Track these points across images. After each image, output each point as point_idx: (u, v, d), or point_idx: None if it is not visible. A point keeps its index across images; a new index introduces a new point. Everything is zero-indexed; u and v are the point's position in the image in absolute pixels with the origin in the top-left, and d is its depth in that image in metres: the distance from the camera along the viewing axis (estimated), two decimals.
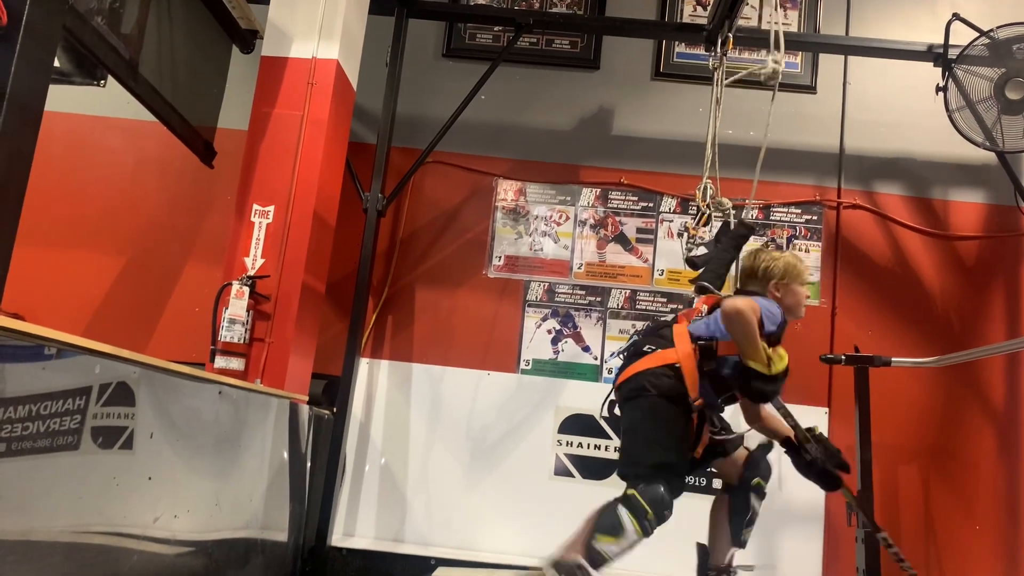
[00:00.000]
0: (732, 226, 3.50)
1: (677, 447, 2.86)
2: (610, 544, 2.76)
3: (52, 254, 4.54)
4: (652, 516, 2.76)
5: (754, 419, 3.05)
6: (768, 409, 3.02)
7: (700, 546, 3.23)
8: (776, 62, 3.38)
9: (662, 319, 3.18)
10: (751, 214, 4.56)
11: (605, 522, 2.78)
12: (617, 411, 3.10)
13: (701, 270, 3.38)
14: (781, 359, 2.80)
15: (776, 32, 3.43)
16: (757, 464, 3.07)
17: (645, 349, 2.97)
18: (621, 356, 3.17)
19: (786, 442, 2.99)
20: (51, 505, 1.87)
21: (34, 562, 1.81)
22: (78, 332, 1.90)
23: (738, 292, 3.16)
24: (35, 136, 1.50)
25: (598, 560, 2.76)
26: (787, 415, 3.02)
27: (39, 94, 1.51)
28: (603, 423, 4.34)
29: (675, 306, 4.49)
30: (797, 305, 3.07)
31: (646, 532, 2.77)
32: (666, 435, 2.84)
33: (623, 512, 2.77)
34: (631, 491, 2.80)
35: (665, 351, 2.92)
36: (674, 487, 2.82)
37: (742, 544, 3.08)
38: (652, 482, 2.78)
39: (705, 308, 3.10)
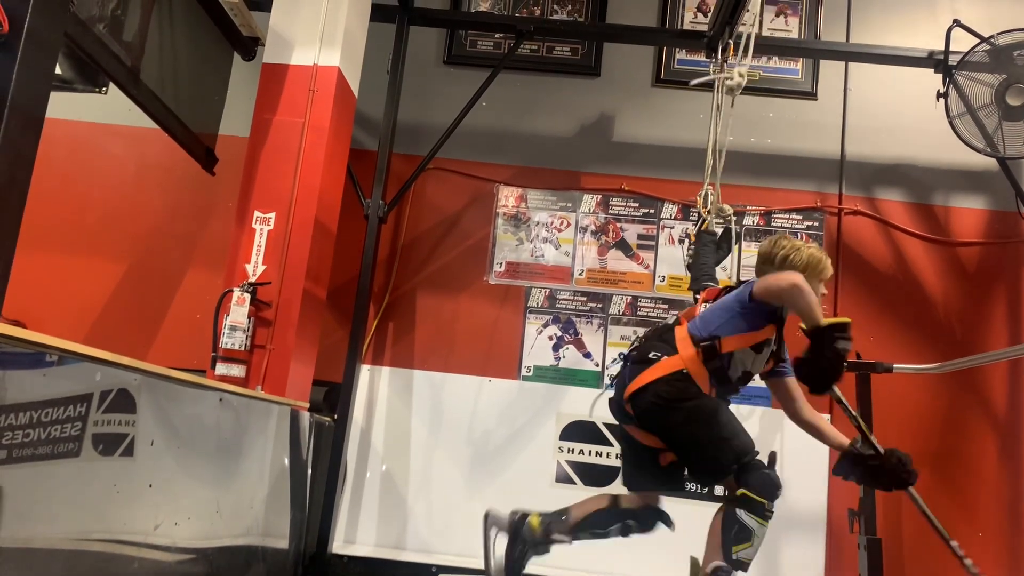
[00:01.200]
0: (722, 233, 3.50)
1: (737, 431, 2.83)
2: (748, 549, 2.75)
3: (53, 260, 4.54)
4: (769, 505, 2.75)
5: (798, 412, 2.98)
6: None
7: (693, 560, 3.21)
8: (741, 75, 3.37)
9: (663, 323, 3.15)
10: (752, 220, 4.57)
11: (733, 533, 2.75)
12: (616, 409, 3.06)
13: (699, 275, 3.37)
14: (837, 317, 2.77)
15: (747, 37, 3.42)
16: (748, 476, 3.02)
17: (651, 356, 2.92)
18: (623, 360, 3.15)
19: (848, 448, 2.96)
20: (52, 512, 1.87)
21: (35, 569, 1.80)
22: (79, 339, 1.90)
23: (742, 281, 3.11)
24: (36, 143, 1.50)
25: (744, 566, 2.76)
26: (846, 409, 2.99)
27: (41, 101, 1.51)
28: (604, 429, 4.33)
29: (676, 312, 4.48)
30: None
31: (767, 519, 2.75)
32: (722, 427, 2.81)
33: (744, 515, 2.74)
34: (742, 489, 2.76)
35: (671, 359, 2.88)
36: (763, 464, 2.80)
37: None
38: (750, 473, 2.76)
39: (704, 306, 3.08)
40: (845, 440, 2.99)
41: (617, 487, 4.26)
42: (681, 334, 2.94)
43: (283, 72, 3.81)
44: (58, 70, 3.85)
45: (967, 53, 4.00)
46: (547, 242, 4.64)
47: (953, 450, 4.29)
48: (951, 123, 3.99)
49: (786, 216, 4.57)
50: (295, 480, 3.61)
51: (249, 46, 4.46)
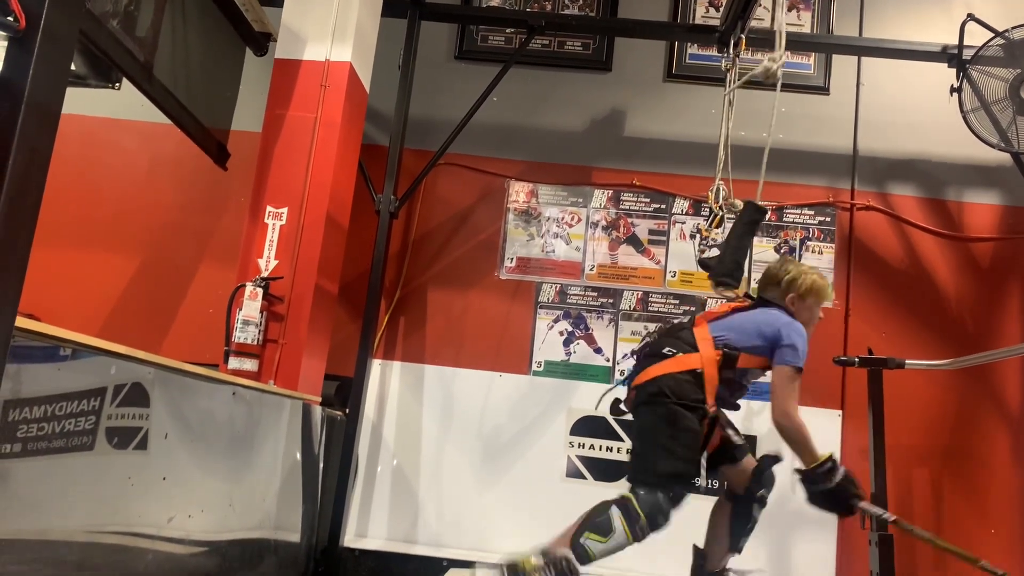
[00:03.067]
0: (743, 209, 3.43)
1: (689, 457, 2.84)
2: (597, 542, 2.75)
3: (67, 255, 4.57)
4: (645, 523, 2.74)
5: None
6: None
7: (696, 549, 3.22)
8: (772, 60, 3.35)
9: (676, 320, 3.15)
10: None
11: (596, 520, 2.78)
12: (623, 407, 3.09)
13: (717, 259, 3.32)
14: (823, 457, 2.84)
15: (780, 32, 3.40)
16: (763, 475, 3.05)
17: (665, 351, 2.94)
18: (635, 355, 3.16)
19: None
20: (67, 505, 1.89)
21: (50, 561, 1.82)
22: (93, 333, 1.91)
23: (757, 298, 3.12)
24: (53, 139, 1.51)
25: (583, 556, 2.76)
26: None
27: (57, 97, 1.52)
28: (615, 424, 4.33)
29: (688, 308, 4.48)
30: (809, 323, 3.04)
31: (636, 537, 2.75)
32: (680, 444, 2.82)
33: (615, 513, 2.76)
34: (629, 494, 2.78)
35: (687, 356, 2.90)
36: (676, 497, 2.80)
37: (739, 550, 3.06)
38: (655, 490, 2.77)
39: (726, 309, 3.09)
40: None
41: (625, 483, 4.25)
42: (702, 334, 2.95)
43: (295, 67, 3.82)
44: (72, 66, 3.87)
45: (981, 47, 3.97)
46: (558, 237, 4.64)
47: (965, 446, 4.27)
48: (965, 118, 3.96)
49: (798, 211, 4.55)
50: (307, 474, 3.63)
51: (261, 42, 4.48)
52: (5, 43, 1.46)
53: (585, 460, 4.33)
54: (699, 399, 2.84)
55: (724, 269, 3.26)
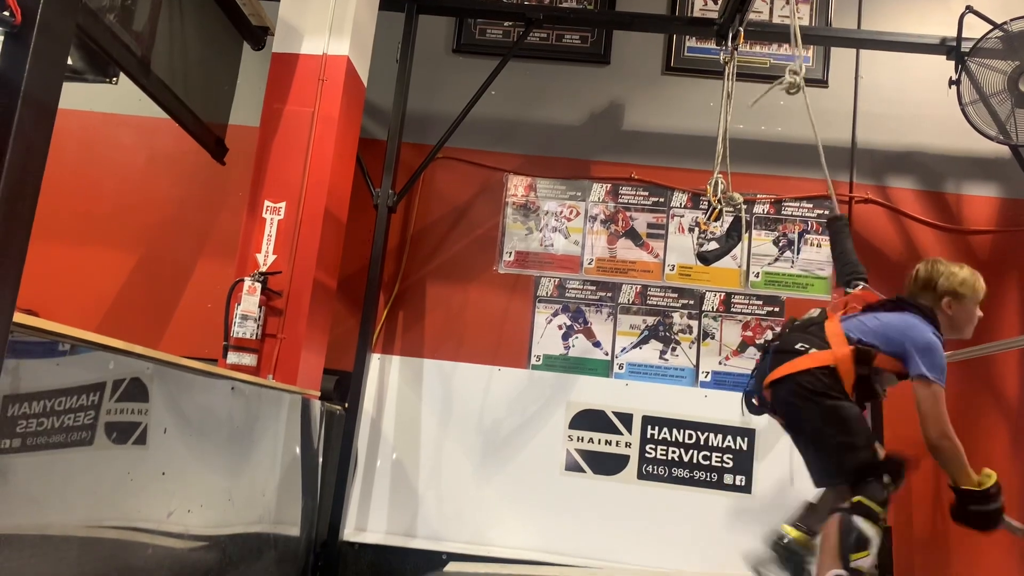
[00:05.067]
0: (831, 221, 3.50)
1: (869, 442, 2.84)
2: (866, 558, 2.72)
3: (65, 250, 4.57)
4: (883, 514, 2.75)
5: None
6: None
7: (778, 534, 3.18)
8: (795, 72, 3.35)
9: (808, 316, 3.13)
10: (763, 208, 4.55)
11: (852, 540, 2.73)
12: (758, 405, 3.08)
13: (849, 271, 3.31)
14: (988, 476, 2.83)
15: (795, 33, 3.40)
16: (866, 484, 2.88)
17: (798, 347, 2.91)
18: (762, 350, 3.16)
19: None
20: (66, 500, 1.89)
21: (49, 556, 1.82)
22: (91, 328, 1.91)
23: (897, 299, 3.06)
24: (50, 134, 1.51)
25: (861, 575, 2.74)
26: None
27: (54, 92, 1.51)
28: (614, 418, 4.34)
29: (687, 301, 4.48)
30: (968, 323, 3.03)
31: (881, 528, 2.76)
32: (855, 435, 2.81)
33: (861, 523, 2.73)
34: (859, 497, 2.75)
35: (821, 352, 2.87)
36: (880, 474, 2.80)
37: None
38: (868, 482, 2.76)
39: (859, 307, 3.05)
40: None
41: (626, 475, 4.27)
42: (833, 329, 2.92)
43: (293, 62, 3.81)
44: (69, 60, 3.86)
45: (980, 40, 3.97)
46: (556, 231, 4.64)
47: (964, 440, 4.22)
48: (963, 110, 3.96)
49: (796, 204, 4.55)
50: (306, 468, 3.63)
51: (259, 36, 4.47)
52: (1, 38, 1.46)
53: (584, 453, 4.33)
54: (839, 387, 2.83)
55: (848, 271, 3.27)
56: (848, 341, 2.86)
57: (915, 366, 2.82)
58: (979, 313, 3.05)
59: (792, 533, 3.01)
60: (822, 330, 2.94)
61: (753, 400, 3.11)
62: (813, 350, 2.88)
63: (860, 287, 3.18)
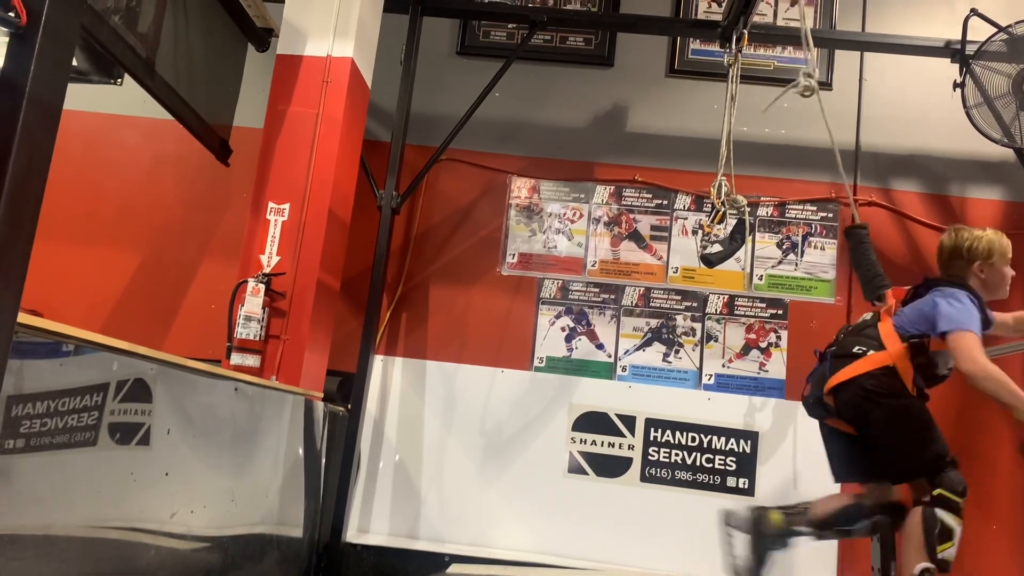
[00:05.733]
0: (851, 231, 3.56)
1: (937, 435, 2.92)
2: (950, 549, 2.81)
3: (70, 251, 4.58)
4: (961, 502, 2.83)
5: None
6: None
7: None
8: (809, 75, 3.37)
9: (862, 320, 3.24)
10: (766, 211, 4.55)
11: (936, 533, 2.82)
12: (812, 404, 3.17)
13: (877, 284, 3.39)
14: None
15: (807, 37, 3.42)
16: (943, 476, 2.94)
17: (855, 351, 3.00)
18: (820, 355, 3.22)
19: None
20: (69, 500, 1.89)
21: (53, 557, 1.83)
22: (95, 329, 1.91)
23: (931, 281, 3.13)
24: (54, 135, 1.51)
25: (946, 565, 2.82)
26: None
27: (59, 93, 1.52)
28: (617, 421, 4.34)
29: (691, 304, 4.48)
30: (1002, 283, 3.13)
31: (961, 518, 2.84)
32: (926, 430, 2.91)
33: (943, 515, 2.82)
34: (939, 490, 2.84)
35: (878, 353, 2.96)
36: (954, 464, 2.89)
37: (939, 563, 2.89)
38: (944, 471, 2.85)
39: (893, 303, 3.15)
40: None
41: (629, 477, 4.27)
42: (886, 329, 3.01)
43: (297, 63, 3.82)
44: (74, 62, 3.87)
45: (984, 43, 3.97)
46: (560, 233, 4.64)
47: (968, 442, 4.26)
48: (968, 113, 3.96)
49: (800, 207, 4.55)
50: (309, 469, 3.63)
51: (263, 37, 4.48)
52: (6, 39, 1.46)
53: (587, 456, 4.33)
54: (901, 386, 2.92)
55: (876, 284, 3.35)
56: (900, 338, 2.95)
57: (937, 329, 2.90)
58: (1011, 272, 3.15)
59: (774, 515, 3.16)
60: (876, 331, 3.03)
61: (811, 403, 3.20)
62: (871, 352, 2.97)
63: (893, 289, 3.27)
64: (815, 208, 4.55)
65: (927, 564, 2.79)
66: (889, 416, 2.92)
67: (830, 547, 4.13)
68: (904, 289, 3.22)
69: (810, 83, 3.36)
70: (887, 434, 2.95)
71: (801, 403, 3.36)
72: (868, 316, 3.20)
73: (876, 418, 2.94)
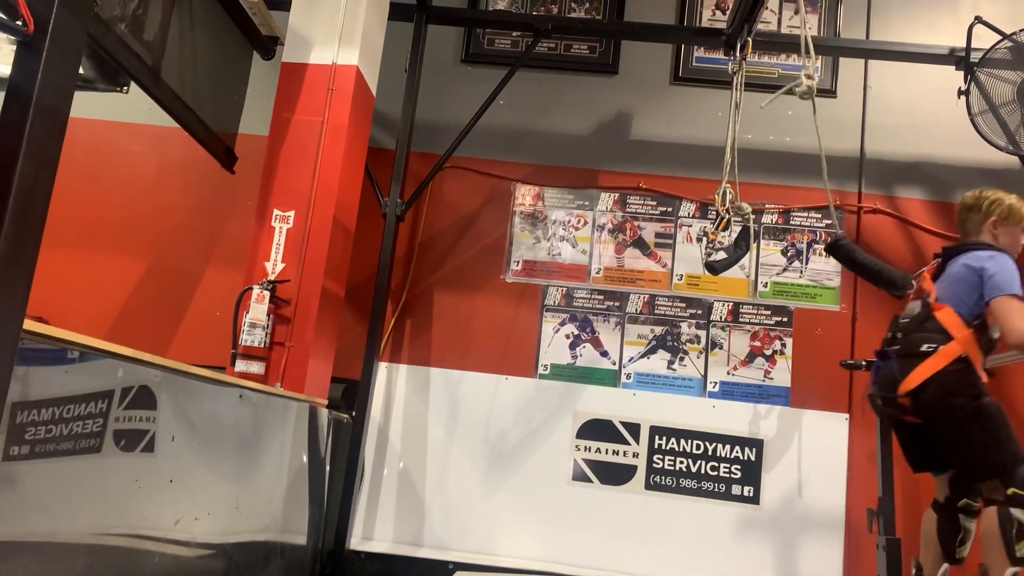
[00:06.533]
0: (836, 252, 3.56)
1: (1012, 434, 2.93)
2: None
3: (75, 258, 4.59)
4: None
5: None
6: None
7: (915, 560, 3.28)
8: (809, 77, 3.37)
9: (909, 311, 3.26)
10: (771, 219, 4.54)
11: (1013, 532, 2.82)
12: (883, 405, 3.20)
13: (899, 279, 3.40)
14: None
15: (807, 42, 3.43)
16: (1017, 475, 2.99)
17: (924, 349, 3.00)
18: (880, 355, 3.22)
19: None
20: (74, 507, 1.89)
21: (57, 563, 1.83)
22: (100, 336, 1.92)
23: (949, 251, 3.18)
24: (61, 143, 1.52)
25: None
26: None
27: (65, 101, 1.52)
28: (621, 428, 4.33)
29: (695, 311, 4.47)
30: (1015, 245, 3.16)
31: None
32: (1004, 429, 2.91)
33: (1020, 514, 2.82)
34: (1014, 488, 2.84)
35: (949, 347, 2.96)
36: None
37: (1018, 561, 2.93)
38: (1020, 472, 2.85)
39: (930, 288, 3.15)
40: None
41: (633, 485, 4.26)
42: (949, 318, 3.01)
43: (302, 71, 3.83)
44: (80, 69, 3.89)
45: (989, 50, 3.97)
46: (564, 240, 4.64)
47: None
48: (972, 121, 3.96)
49: (805, 214, 4.55)
50: (313, 477, 3.63)
51: (268, 45, 4.50)
52: (14, 47, 1.47)
53: (591, 463, 4.32)
54: (977, 380, 2.94)
55: (899, 282, 3.35)
56: (964, 322, 2.97)
57: (988, 293, 2.94)
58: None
59: None
60: (938, 323, 3.02)
61: (880, 404, 3.22)
62: (940, 347, 2.97)
63: (923, 275, 3.29)
64: (820, 215, 4.54)
65: (1015, 569, 2.79)
66: (970, 415, 2.92)
67: (836, 553, 4.12)
68: (930, 269, 3.25)
69: (811, 84, 3.36)
70: (966, 433, 2.95)
71: (867, 400, 3.37)
72: (916, 309, 3.19)
73: (957, 418, 2.95)
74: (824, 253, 3.90)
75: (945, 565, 3.15)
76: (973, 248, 3.13)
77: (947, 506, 3.16)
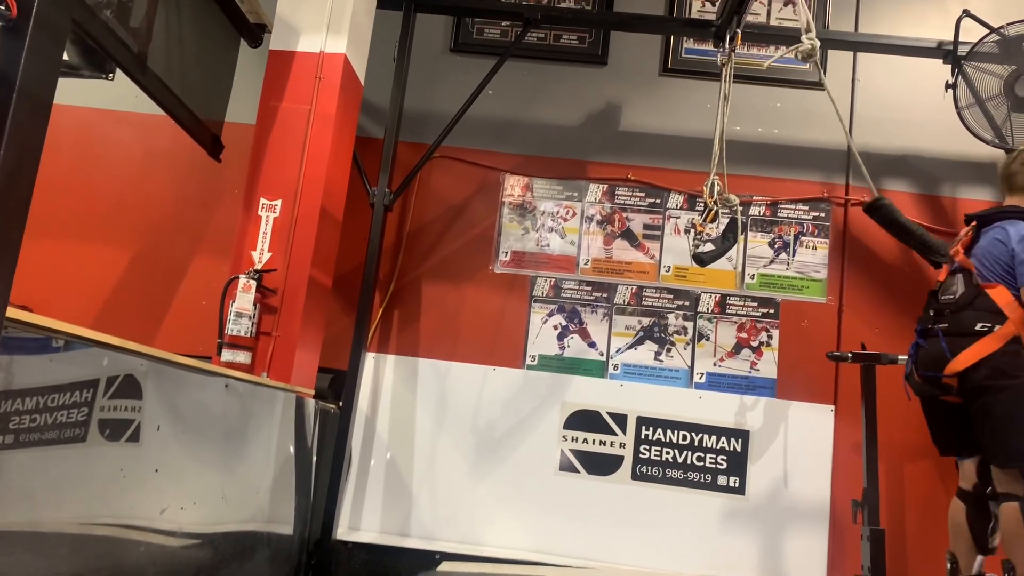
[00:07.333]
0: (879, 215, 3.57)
1: None
2: None
3: (60, 247, 4.56)
4: None
5: None
6: None
7: (950, 553, 3.24)
8: (810, 39, 3.36)
9: (948, 286, 3.20)
10: (759, 210, 4.56)
11: None
12: (922, 383, 3.16)
13: (940, 247, 3.43)
14: None
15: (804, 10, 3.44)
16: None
17: (979, 328, 2.93)
18: (923, 332, 3.17)
19: None
20: (58, 497, 1.88)
21: (42, 553, 1.82)
22: (86, 324, 1.91)
23: (982, 220, 3.15)
24: (44, 129, 1.50)
25: None
26: None
27: (49, 87, 1.51)
28: (608, 419, 4.34)
29: (682, 303, 4.48)
30: None
31: None
32: None
33: None
34: None
35: (1004, 327, 2.89)
36: None
37: (990, 550, 3.00)
38: None
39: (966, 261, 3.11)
40: None
41: (620, 475, 4.27)
42: (1005, 298, 2.93)
43: (289, 59, 3.81)
44: (65, 56, 3.85)
45: (976, 44, 3.99)
46: (553, 231, 4.64)
47: None
48: (959, 114, 3.98)
49: (792, 207, 4.56)
50: (300, 466, 3.63)
51: (256, 33, 4.46)
52: None
53: (578, 454, 4.33)
54: None
55: (936, 251, 3.39)
56: (1019, 304, 2.89)
57: (1017, 282, 2.91)
58: None
59: None
60: (991, 302, 2.94)
61: (921, 383, 3.16)
62: (996, 327, 2.89)
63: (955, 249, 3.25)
64: (807, 208, 4.56)
65: None
66: (1014, 398, 2.86)
67: (820, 544, 4.15)
68: (964, 241, 3.19)
69: (812, 45, 3.35)
70: (1007, 416, 2.89)
71: (905, 380, 3.31)
72: (957, 281, 3.13)
73: (1003, 399, 2.88)
74: (866, 213, 3.87)
75: (980, 557, 3.12)
76: (1008, 215, 3.05)
77: (976, 493, 3.12)
